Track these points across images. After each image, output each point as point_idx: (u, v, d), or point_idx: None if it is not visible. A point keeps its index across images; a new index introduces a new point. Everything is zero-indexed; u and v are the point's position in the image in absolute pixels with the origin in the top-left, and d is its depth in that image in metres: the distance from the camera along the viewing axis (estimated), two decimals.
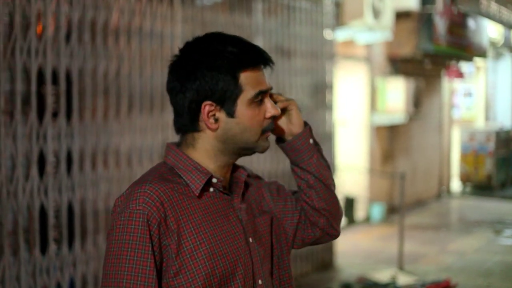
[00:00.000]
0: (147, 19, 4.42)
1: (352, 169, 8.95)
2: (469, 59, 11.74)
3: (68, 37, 3.84)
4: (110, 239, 1.44)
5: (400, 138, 10.29)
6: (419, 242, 7.98)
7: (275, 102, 1.60)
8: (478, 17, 10.94)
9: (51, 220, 3.76)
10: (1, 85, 3.47)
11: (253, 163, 5.32)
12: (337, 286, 6.10)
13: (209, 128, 1.51)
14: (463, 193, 12.51)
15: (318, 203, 1.69)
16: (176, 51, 1.56)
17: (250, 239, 1.56)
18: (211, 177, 1.52)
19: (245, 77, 1.50)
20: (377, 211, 9.28)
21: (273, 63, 1.55)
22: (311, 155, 1.67)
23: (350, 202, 8.94)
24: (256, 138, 1.54)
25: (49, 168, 3.73)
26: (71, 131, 3.88)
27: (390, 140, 9.96)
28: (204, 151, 1.54)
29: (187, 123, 1.52)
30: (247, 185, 1.64)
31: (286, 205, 1.70)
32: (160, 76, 4.44)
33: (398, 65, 9.87)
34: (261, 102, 1.54)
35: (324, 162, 1.71)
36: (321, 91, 6.50)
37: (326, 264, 6.65)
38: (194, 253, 1.44)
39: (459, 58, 11.35)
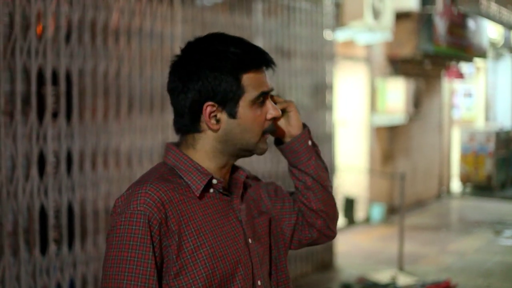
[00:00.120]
0: (147, 20, 4.42)
1: (352, 170, 8.95)
2: (469, 59, 11.74)
3: (68, 37, 3.84)
4: (110, 240, 1.43)
5: (400, 138, 10.29)
6: (419, 243, 7.98)
7: (275, 103, 1.60)
8: (478, 17, 10.95)
9: (51, 220, 3.76)
10: (1, 86, 3.47)
11: (253, 163, 5.31)
12: (337, 286, 6.10)
13: (210, 128, 1.51)
14: (463, 193, 12.51)
15: (315, 204, 1.69)
16: (176, 52, 1.56)
17: (250, 240, 1.56)
18: (212, 178, 1.52)
19: (247, 79, 1.50)
20: (377, 211, 9.28)
21: (275, 64, 1.55)
22: (309, 156, 1.68)
23: (350, 202, 8.93)
24: (256, 140, 1.54)
25: (49, 168, 3.73)
26: (71, 131, 3.88)
27: (390, 141, 9.96)
28: (204, 152, 1.53)
29: (188, 123, 1.52)
30: (245, 186, 1.64)
31: (284, 206, 1.71)
32: (160, 76, 4.44)
33: (398, 65, 9.87)
34: (262, 103, 1.54)
35: (321, 164, 1.71)
36: (321, 92, 6.51)
37: (326, 264, 6.65)
38: (195, 254, 1.44)
39: (459, 58, 11.35)
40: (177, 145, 1.57)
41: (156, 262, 1.41)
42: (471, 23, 10.98)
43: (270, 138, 1.62)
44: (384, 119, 9.43)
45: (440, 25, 9.65)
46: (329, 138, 6.60)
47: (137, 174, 4.06)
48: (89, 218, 4.00)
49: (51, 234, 3.76)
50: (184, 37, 4.60)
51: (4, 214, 3.50)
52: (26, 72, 3.63)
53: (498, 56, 15.41)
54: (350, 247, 7.65)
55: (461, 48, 10.60)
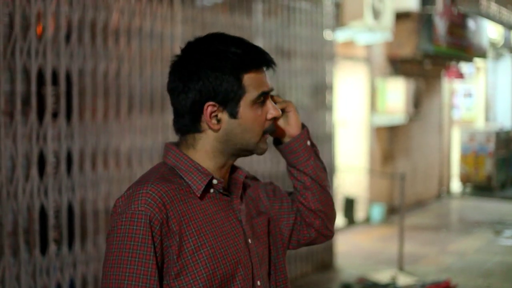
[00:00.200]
0: (147, 20, 4.42)
1: (352, 170, 8.95)
2: (469, 59, 11.74)
3: (68, 37, 3.84)
4: (111, 240, 1.43)
5: (400, 138, 10.29)
6: (419, 243, 7.98)
7: (274, 103, 1.60)
8: (478, 17, 10.95)
9: (51, 220, 3.76)
10: (1, 86, 3.47)
11: (253, 163, 5.32)
12: (337, 286, 6.11)
13: (211, 128, 1.50)
14: (463, 193, 12.51)
15: (314, 204, 1.69)
16: (176, 52, 1.56)
17: (249, 240, 1.56)
18: (212, 178, 1.52)
19: (248, 79, 1.50)
20: (377, 211, 9.28)
21: (275, 64, 1.55)
22: (308, 157, 1.68)
23: (350, 202, 8.93)
24: (257, 140, 1.54)
25: (49, 168, 3.73)
26: (71, 131, 3.88)
27: (390, 141, 9.96)
28: (205, 152, 1.53)
29: (188, 123, 1.52)
30: (244, 186, 1.64)
31: (282, 206, 1.71)
32: (160, 76, 4.44)
33: (398, 65, 9.87)
34: (262, 103, 1.54)
35: (320, 164, 1.72)
36: (321, 92, 6.51)
37: (326, 264, 6.65)
38: (196, 254, 1.44)
39: (459, 58, 11.35)
40: (177, 145, 1.57)
41: (157, 262, 1.41)
42: (471, 23, 10.98)
43: (269, 138, 1.63)
44: (384, 119, 9.43)
45: (440, 25, 9.65)
46: (329, 138, 6.60)
47: (137, 174, 4.06)
48: (89, 218, 4.00)
49: (51, 234, 3.76)
50: (184, 37, 4.60)
51: (4, 214, 3.50)
52: (26, 72, 3.63)
53: (498, 56, 15.41)
54: (350, 247, 7.65)
55: (461, 48, 10.60)
